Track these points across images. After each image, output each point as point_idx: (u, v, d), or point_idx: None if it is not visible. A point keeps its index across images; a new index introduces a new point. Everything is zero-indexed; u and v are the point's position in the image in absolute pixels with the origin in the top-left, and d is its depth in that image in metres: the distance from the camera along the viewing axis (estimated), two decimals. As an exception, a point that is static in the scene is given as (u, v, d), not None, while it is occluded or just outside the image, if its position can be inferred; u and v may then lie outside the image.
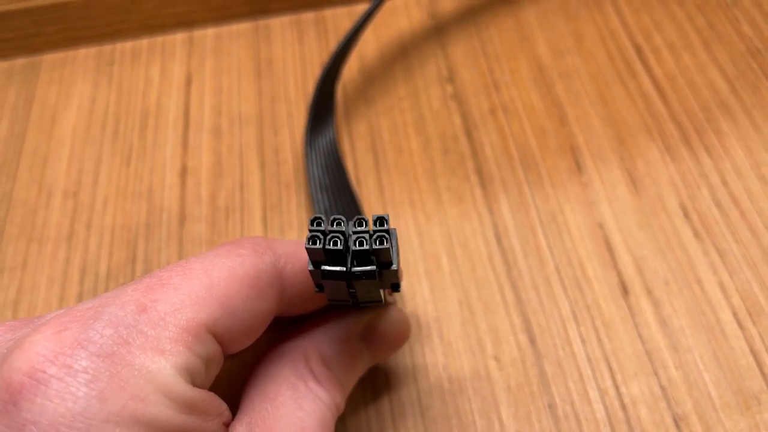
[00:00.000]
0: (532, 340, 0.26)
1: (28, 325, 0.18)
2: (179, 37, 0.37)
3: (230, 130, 0.33)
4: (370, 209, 0.30)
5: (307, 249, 0.17)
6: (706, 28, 0.34)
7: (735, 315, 0.26)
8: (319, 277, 0.18)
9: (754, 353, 0.25)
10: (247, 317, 0.18)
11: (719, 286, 0.26)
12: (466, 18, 0.36)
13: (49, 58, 0.37)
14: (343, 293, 0.19)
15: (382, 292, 0.20)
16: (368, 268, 0.17)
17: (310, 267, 0.18)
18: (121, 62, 0.37)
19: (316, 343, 0.21)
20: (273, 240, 0.20)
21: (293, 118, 0.33)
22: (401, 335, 0.24)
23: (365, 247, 0.17)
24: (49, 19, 0.36)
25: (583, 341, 0.26)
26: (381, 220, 0.18)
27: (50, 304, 0.29)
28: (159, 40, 0.37)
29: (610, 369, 0.25)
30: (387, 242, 0.17)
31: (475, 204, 0.30)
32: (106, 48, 0.38)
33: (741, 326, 0.25)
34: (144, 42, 0.38)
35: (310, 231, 0.17)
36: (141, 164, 0.33)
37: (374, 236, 0.17)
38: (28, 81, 0.36)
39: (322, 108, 0.31)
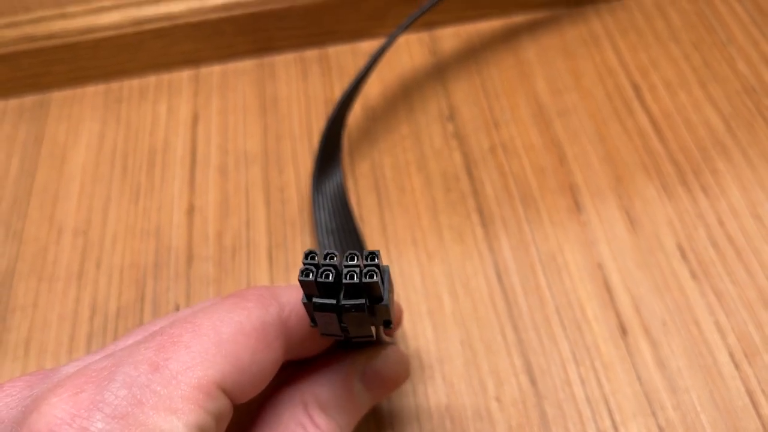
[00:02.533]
0: (533, 381, 0.26)
1: (45, 381, 0.18)
2: (186, 75, 0.38)
3: (236, 168, 0.34)
4: (373, 248, 0.30)
5: (300, 281, 0.18)
6: (702, 66, 0.35)
7: (731, 355, 0.26)
8: (311, 309, 0.19)
9: (749, 394, 0.25)
10: (256, 370, 0.19)
11: (716, 327, 0.27)
12: (466, 56, 0.37)
13: (58, 96, 0.38)
14: (335, 327, 0.19)
15: (374, 329, 0.20)
16: (357, 301, 0.18)
17: (304, 299, 0.18)
18: (129, 100, 0.38)
19: (314, 388, 0.21)
20: (277, 289, 0.21)
21: (298, 157, 0.34)
22: (399, 375, 0.24)
23: (355, 280, 0.18)
24: (58, 59, 0.37)
25: (582, 382, 0.26)
26: (372, 255, 0.18)
27: (61, 343, 0.29)
28: (166, 77, 0.38)
29: (609, 410, 0.26)
30: (377, 276, 0.18)
31: (476, 242, 0.30)
32: (114, 85, 0.38)
33: (737, 367, 0.26)
34: (151, 79, 0.38)
35: (304, 264, 0.18)
36: (149, 202, 0.33)
37: (365, 270, 0.18)
38: (38, 118, 0.37)
39: (329, 153, 0.32)
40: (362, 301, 0.18)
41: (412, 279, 0.29)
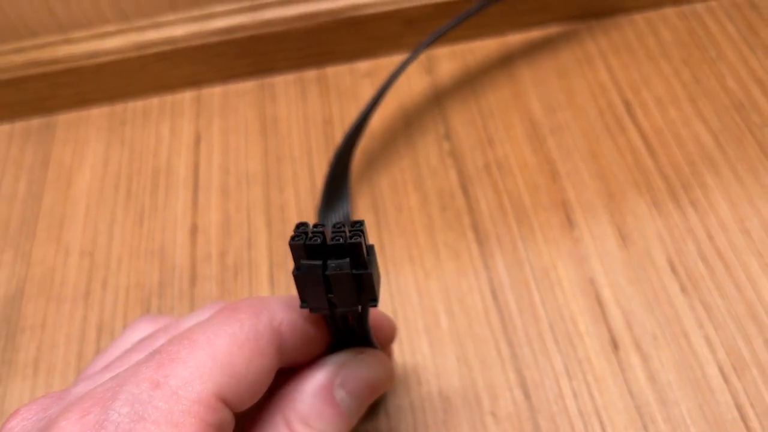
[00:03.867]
0: (527, 395, 0.27)
1: (57, 403, 0.19)
2: (188, 96, 0.39)
3: (238, 188, 0.35)
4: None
5: (290, 245, 0.19)
6: (692, 83, 0.36)
7: (720, 369, 0.27)
8: (301, 280, 0.19)
9: (738, 407, 0.26)
10: (252, 378, 0.20)
11: (705, 341, 0.28)
12: (461, 75, 0.38)
13: (64, 118, 0.39)
14: (322, 300, 0.20)
15: (361, 308, 0.21)
16: (342, 260, 0.19)
17: (294, 271, 0.19)
18: (132, 121, 0.39)
19: (294, 403, 0.21)
20: (268, 299, 0.22)
21: (298, 176, 0.35)
22: (379, 379, 0.23)
23: (341, 242, 0.19)
24: (63, 83, 0.38)
25: (575, 396, 0.27)
26: (358, 222, 0.19)
27: (69, 362, 0.30)
28: (168, 99, 0.39)
29: (601, 423, 0.26)
30: (361, 238, 0.19)
31: (471, 260, 0.31)
32: (118, 107, 0.39)
33: (726, 380, 0.27)
34: (154, 101, 0.39)
35: (294, 232, 0.19)
36: (153, 223, 0.34)
37: (350, 234, 0.19)
38: (44, 141, 0.38)
39: (336, 184, 0.32)
40: (347, 260, 0.19)
41: (409, 296, 0.30)
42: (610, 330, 0.28)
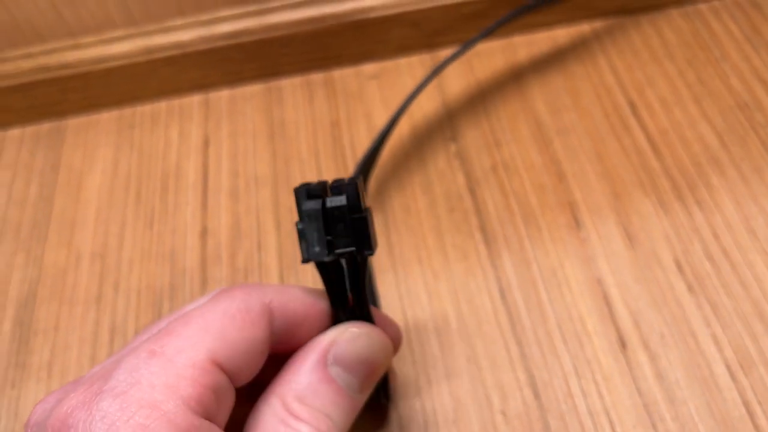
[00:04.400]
0: (537, 395, 0.28)
1: (75, 384, 0.21)
2: (196, 100, 0.40)
3: (247, 191, 0.35)
4: (381, 268, 0.31)
5: (294, 190, 0.21)
6: (697, 83, 0.36)
7: (728, 367, 0.27)
8: (303, 220, 0.21)
9: (746, 404, 0.26)
10: (245, 346, 0.20)
11: (712, 339, 0.28)
12: (467, 76, 0.38)
13: (73, 123, 0.40)
14: (321, 242, 0.21)
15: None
16: (340, 197, 0.21)
17: (298, 225, 0.21)
18: (141, 125, 0.39)
19: (289, 384, 0.21)
20: (260, 283, 0.23)
21: (306, 178, 0.35)
22: (374, 353, 0.23)
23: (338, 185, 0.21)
24: (72, 87, 0.38)
25: (584, 395, 0.27)
26: (354, 177, 0.22)
27: (82, 365, 0.31)
28: (176, 102, 0.40)
29: (611, 422, 0.27)
30: (357, 180, 0.21)
31: (479, 260, 0.31)
32: (127, 111, 0.40)
33: (733, 378, 0.27)
34: (162, 105, 0.40)
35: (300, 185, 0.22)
36: (163, 226, 0.35)
37: (347, 181, 0.21)
38: (54, 145, 0.39)
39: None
40: (344, 196, 0.21)
41: (418, 298, 0.30)
42: (617, 329, 0.29)
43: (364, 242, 0.21)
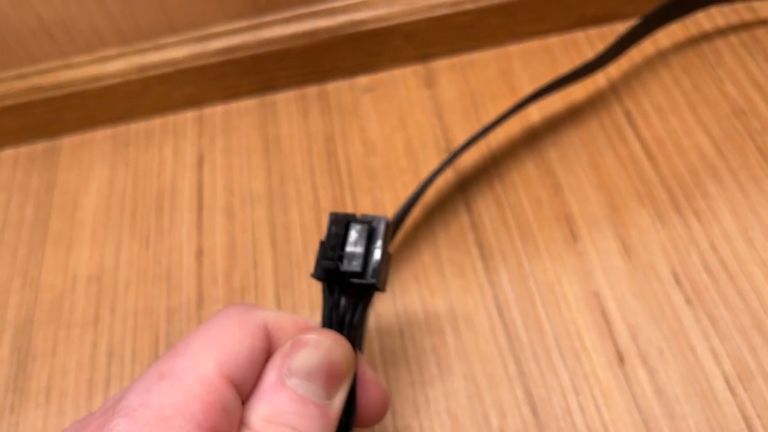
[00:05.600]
0: (535, 412, 0.27)
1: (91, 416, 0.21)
2: (190, 116, 0.39)
3: (242, 209, 0.35)
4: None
5: (329, 214, 0.23)
6: (692, 91, 0.36)
7: (727, 381, 0.27)
8: (331, 225, 0.23)
9: (745, 419, 0.26)
10: (246, 354, 0.21)
11: (711, 353, 0.28)
12: (461, 86, 0.38)
13: (68, 142, 0.39)
14: (335, 252, 0.22)
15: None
16: (367, 222, 0.23)
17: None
18: (136, 143, 0.39)
19: (254, 407, 0.21)
20: (256, 305, 0.23)
21: (301, 195, 0.35)
22: (330, 356, 0.22)
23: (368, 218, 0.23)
24: (66, 107, 0.38)
25: (582, 411, 0.27)
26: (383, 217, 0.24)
27: (80, 389, 0.31)
28: (171, 119, 0.39)
29: (610, 439, 0.26)
30: (384, 219, 0.23)
31: (476, 277, 0.31)
32: (122, 129, 0.40)
33: (733, 392, 0.27)
34: (157, 122, 0.40)
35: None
36: (159, 246, 0.35)
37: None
38: (49, 166, 0.39)
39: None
40: (369, 222, 0.23)
41: (416, 316, 0.30)
42: (615, 344, 0.29)
43: (375, 275, 0.22)
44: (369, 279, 0.22)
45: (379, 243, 0.22)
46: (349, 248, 0.22)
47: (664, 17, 0.36)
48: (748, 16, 0.38)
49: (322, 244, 0.23)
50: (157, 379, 0.20)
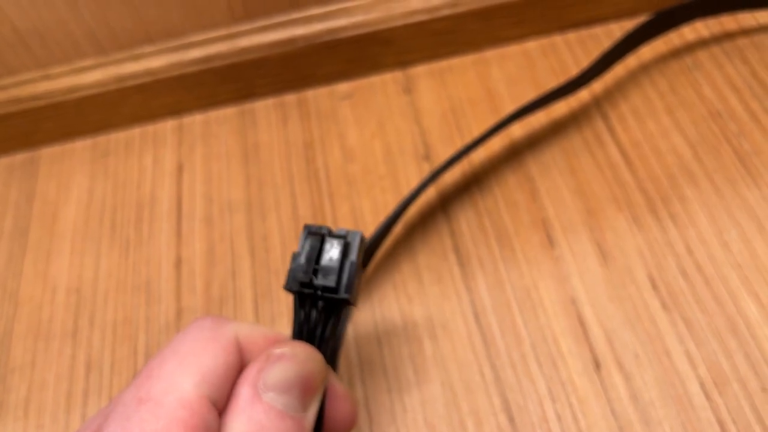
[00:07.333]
0: (511, 419, 0.27)
1: None
2: (169, 125, 0.39)
3: (221, 217, 0.35)
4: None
5: (304, 226, 0.23)
6: (669, 93, 0.36)
7: (702, 385, 0.27)
8: (304, 239, 0.23)
9: (720, 423, 0.26)
10: (222, 371, 0.21)
11: (686, 357, 0.28)
12: (439, 92, 0.38)
13: (47, 152, 0.39)
14: (309, 266, 0.22)
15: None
16: (342, 236, 0.23)
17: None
18: (115, 153, 0.39)
19: (230, 424, 0.21)
20: (228, 318, 0.23)
21: (280, 203, 0.35)
22: (304, 368, 0.22)
23: (343, 233, 0.23)
24: (45, 118, 0.38)
25: (559, 418, 0.27)
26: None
27: (59, 402, 0.30)
28: (150, 128, 0.39)
29: (585, 445, 0.26)
30: (359, 234, 0.23)
31: (453, 282, 0.31)
32: (101, 139, 0.40)
33: (708, 397, 0.27)
34: (136, 132, 0.39)
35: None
36: (138, 256, 0.34)
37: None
38: (28, 176, 0.39)
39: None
40: (345, 235, 0.23)
41: (393, 323, 0.30)
42: (592, 350, 0.29)
43: (348, 289, 0.22)
44: (342, 294, 0.22)
45: (353, 258, 0.22)
46: (323, 262, 0.22)
47: (646, 34, 0.36)
48: (725, 19, 0.38)
49: (295, 256, 0.23)
50: (135, 406, 0.19)
